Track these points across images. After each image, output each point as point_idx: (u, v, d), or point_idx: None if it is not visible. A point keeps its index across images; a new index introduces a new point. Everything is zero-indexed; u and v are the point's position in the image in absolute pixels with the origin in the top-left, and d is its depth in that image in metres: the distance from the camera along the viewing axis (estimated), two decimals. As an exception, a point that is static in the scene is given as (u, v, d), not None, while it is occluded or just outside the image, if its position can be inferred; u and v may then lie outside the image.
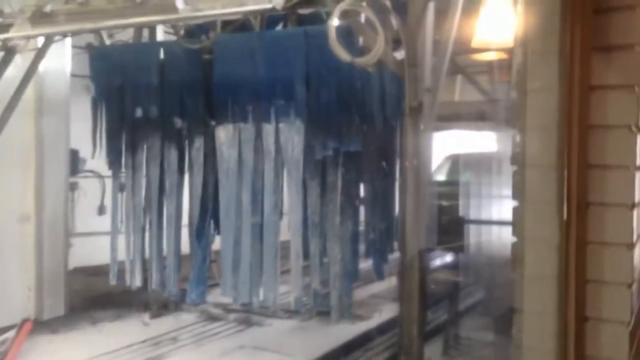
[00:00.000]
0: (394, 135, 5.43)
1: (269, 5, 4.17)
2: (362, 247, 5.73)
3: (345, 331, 6.31)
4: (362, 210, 5.61)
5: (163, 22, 5.27)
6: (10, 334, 5.58)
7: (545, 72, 1.49)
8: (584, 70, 1.52)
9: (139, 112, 5.76)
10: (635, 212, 1.52)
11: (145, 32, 6.68)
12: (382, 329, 6.44)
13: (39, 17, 4.82)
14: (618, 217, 1.50)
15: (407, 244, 4.07)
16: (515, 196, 1.58)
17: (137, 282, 5.88)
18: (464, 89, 8.30)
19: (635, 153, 1.50)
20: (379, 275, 5.77)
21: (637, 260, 1.62)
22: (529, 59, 1.52)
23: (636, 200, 1.52)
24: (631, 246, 1.50)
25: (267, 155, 5.14)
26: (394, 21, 4.16)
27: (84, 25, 4.76)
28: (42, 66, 6.31)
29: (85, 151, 7.05)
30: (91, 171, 8.66)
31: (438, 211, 5.39)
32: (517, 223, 1.56)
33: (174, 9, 4.26)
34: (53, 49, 6.28)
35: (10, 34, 4.93)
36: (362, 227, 5.68)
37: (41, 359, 5.67)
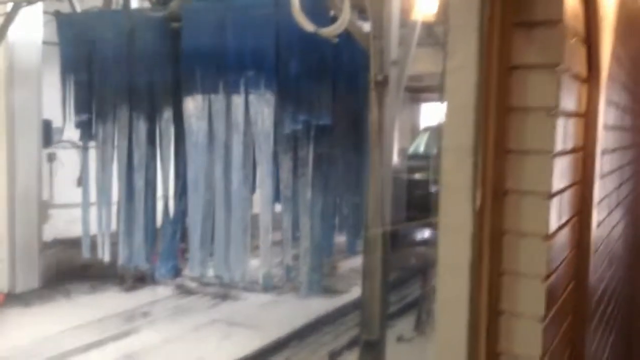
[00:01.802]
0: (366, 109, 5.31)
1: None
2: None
3: (319, 305, 6.29)
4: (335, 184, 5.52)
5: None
6: (-22, 306, 5.54)
7: (465, 48, 1.39)
8: (505, 47, 1.41)
9: (106, 82, 5.60)
10: (554, 201, 1.43)
11: (119, -1, 6.51)
12: (357, 304, 6.43)
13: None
14: (535, 205, 1.41)
15: (370, 220, 3.99)
16: (438, 180, 1.48)
17: (107, 256, 5.80)
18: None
19: (555, 138, 1.40)
20: (351, 249, 5.71)
21: (558, 250, 1.54)
22: (449, 34, 1.41)
23: (555, 188, 1.42)
24: (547, 237, 1.41)
25: (237, 128, 5.01)
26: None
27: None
28: (12, 34, 6.16)
29: (60, 121, 6.92)
30: (68, 141, 8.52)
31: (410, 185, 5.29)
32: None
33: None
34: (24, 16, 6.13)
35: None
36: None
37: (11, 332, 5.64)
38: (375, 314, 4.02)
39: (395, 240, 4.95)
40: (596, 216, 1.98)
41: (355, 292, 6.75)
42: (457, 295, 1.42)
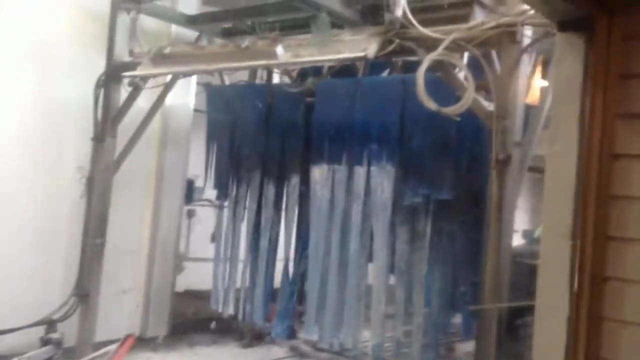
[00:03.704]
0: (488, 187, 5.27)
1: (361, 54, 4.32)
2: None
3: (430, 385, 6.09)
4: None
5: (264, 66, 5.62)
6: (113, 347, 6.02)
7: (565, 135, 1.44)
8: (607, 136, 1.44)
9: (245, 148, 6.11)
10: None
11: (263, 74, 7.14)
12: (471, 389, 6.14)
13: (161, 57, 5.35)
14: (638, 294, 1.38)
15: (485, 301, 3.91)
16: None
17: (230, 310, 6.13)
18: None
19: (658, 227, 1.39)
20: (467, 331, 5.51)
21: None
22: (552, 122, 1.47)
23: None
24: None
25: (357, 197, 5.21)
26: (486, 71, 4.09)
27: (197, 67, 5.21)
28: (169, 100, 6.90)
29: (202, 181, 7.55)
30: (207, 200, 9.22)
31: (534, 271, 5.06)
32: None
33: (274, 55, 4.55)
34: (180, 85, 6.89)
35: (136, 72, 5.52)
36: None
37: (139, 374, 6.06)
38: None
39: (512, 327, 4.73)
40: None
41: (470, 376, 6.48)
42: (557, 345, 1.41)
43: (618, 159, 1.44)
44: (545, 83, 4.38)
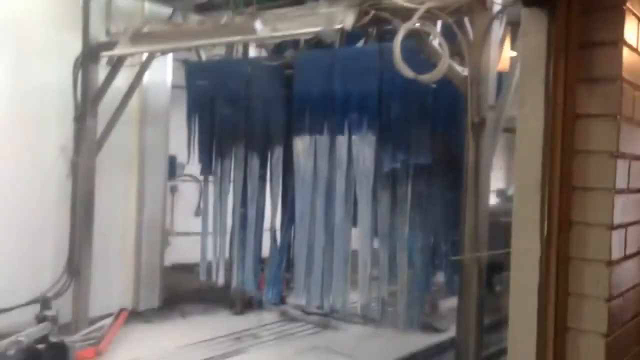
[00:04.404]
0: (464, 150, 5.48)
1: (339, 26, 4.45)
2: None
3: (417, 341, 6.41)
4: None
5: (243, 41, 5.71)
6: (107, 321, 6.20)
7: (533, 99, 1.62)
8: (569, 99, 1.63)
9: (226, 123, 6.23)
10: (616, 233, 1.61)
11: (239, 48, 7.21)
12: (454, 342, 6.46)
13: (139, 36, 5.41)
14: (598, 235, 1.60)
15: (465, 258, 4.15)
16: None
17: (221, 280, 6.34)
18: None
19: (615, 176, 1.59)
20: (451, 288, 5.79)
21: (623, 278, 1.70)
22: (520, 87, 1.65)
23: (617, 221, 1.60)
24: (610, 263, 1.59)
25: (340, 166, 5.39)
26: (459, 38, 4.26)
27: (176, 44, 5.29)
28: (146, 78, 6.95)
29: (183, 157, 7.67)
30: (189, 175, 9.33)
31: (506, 229, 5.32)
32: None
33: (253, 30, 4.65)
34: (157, 62, 6.93)
35: (115, 51, 5.58)
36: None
37: (134, 345, 6.25)
38: (470, 353, 4.13)
39: (490, 283, 4.98)
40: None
41: (454, 331, 6.80)
42: (528, 312, 1.63)
43: (579, 118, 1.63)
44: (514, 54, 4.57)
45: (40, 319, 5.56)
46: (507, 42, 4.58)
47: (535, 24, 1.53)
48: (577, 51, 1.53)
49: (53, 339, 5.34)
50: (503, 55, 4.45)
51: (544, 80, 1.58)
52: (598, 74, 1.57)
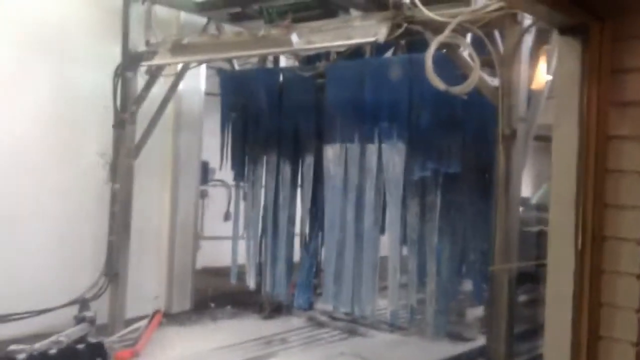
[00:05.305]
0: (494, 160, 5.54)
1: (372, 38, 4.58)
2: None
3: (444, 350, 6.45)
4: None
5: (280, 53, 5.85)
6: (142, 323, 6.38)
7: (568, 121, 1.72)
8: (602, 121, 1.73)
9: (259, 130, 6.39)
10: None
11: (270, 58, 7.37)
12: (482, 351, 6.48)
13: (178, 47, 5.60)
14: (630, 250, 1.69)
15: (495, 269, 4.21)
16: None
17: (252, 284, 6.49)
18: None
19: (646, 195, 1.68)
20: (478, 298, 5.83)
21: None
22: (556, 110, 1.75)
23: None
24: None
25: (370, 174, 5.50)
26: (491, 51, 4.34)
27: (214, 55, 5.46)
28: (181, 86, 7.15)
29: (214, 162, 7.84)
30: (220, 180, 9.50)
31: (539, 237, 5.33)
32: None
33: (289, 42, 4.80)
34: (190, 71, 7.12)
35: (155, 61, 5.78)
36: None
37: (168, 348, 6.42)
38: (499, 361, 4.18)
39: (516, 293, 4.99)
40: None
41: (481, 340, 6.82)
42: (563, 321, 1.73)
43: (611, 140, 1.73)
44: (549, 77, 4.59)
45: (79, 320, 5.76)
46: (542, 61, 4.63)
47: (569, 51, 1.63)
48: (609, 76, 1.63)
49: (92, 339, 5.51)
50: (537, 74, 4.51)
51: (578, 103, 1.68)
52: (629, 98, 1.66)
